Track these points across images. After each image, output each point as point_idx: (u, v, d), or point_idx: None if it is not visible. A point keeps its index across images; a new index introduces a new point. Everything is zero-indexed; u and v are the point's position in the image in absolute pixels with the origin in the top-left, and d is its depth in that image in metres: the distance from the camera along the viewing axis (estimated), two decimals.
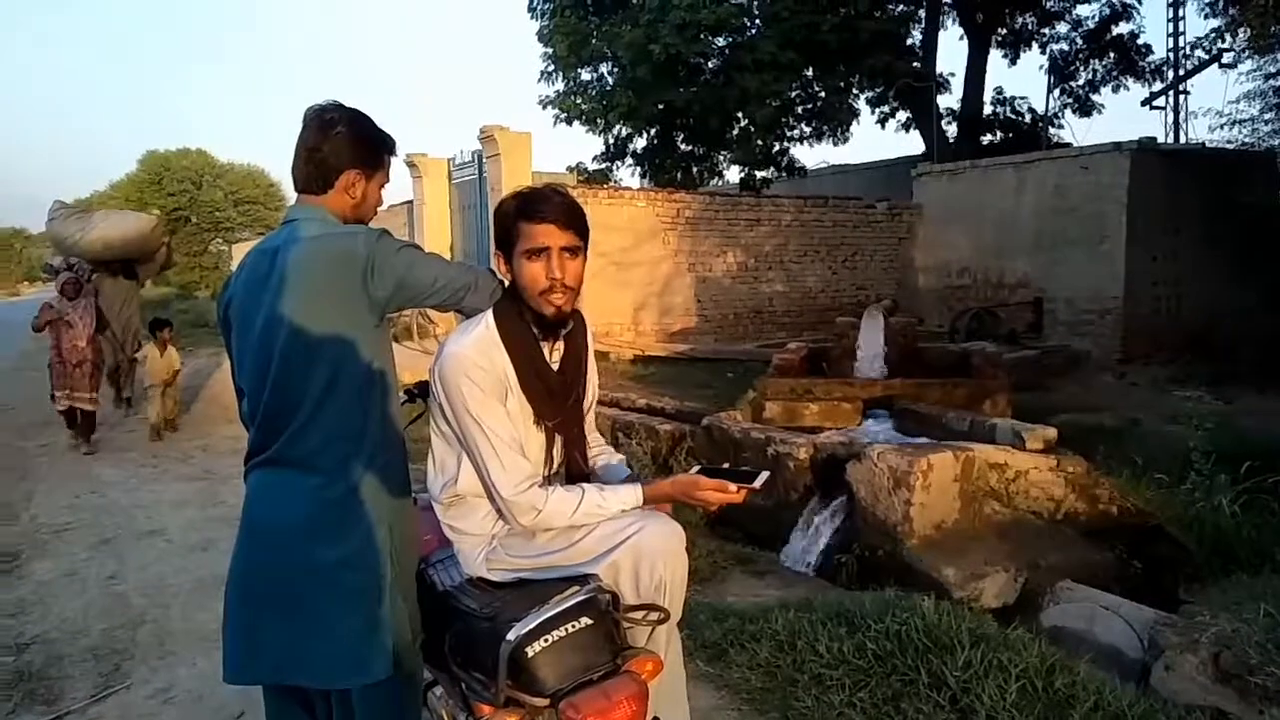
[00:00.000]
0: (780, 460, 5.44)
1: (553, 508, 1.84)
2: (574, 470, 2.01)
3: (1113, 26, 17.57)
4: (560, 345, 1.99)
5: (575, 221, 1.87)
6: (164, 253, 9.32)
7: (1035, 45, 18.34)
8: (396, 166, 2.18)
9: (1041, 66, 18.42)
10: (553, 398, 1.94)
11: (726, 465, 1.98)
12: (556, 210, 1.84)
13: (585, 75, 17.08)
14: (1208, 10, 13.12)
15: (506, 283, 1.95)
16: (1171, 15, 16.91)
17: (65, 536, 5.04)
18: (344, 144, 1.94)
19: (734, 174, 18.47)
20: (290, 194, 2.03)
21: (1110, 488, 5.18)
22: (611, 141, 17.77)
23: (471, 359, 1.86)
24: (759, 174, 17.53)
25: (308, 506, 1.81)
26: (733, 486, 1.84)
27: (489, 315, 1.92)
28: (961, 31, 17.66)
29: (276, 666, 1.83)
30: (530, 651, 1.67)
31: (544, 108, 17.22)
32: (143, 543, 4.94)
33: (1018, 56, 18.46)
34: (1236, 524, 5.01)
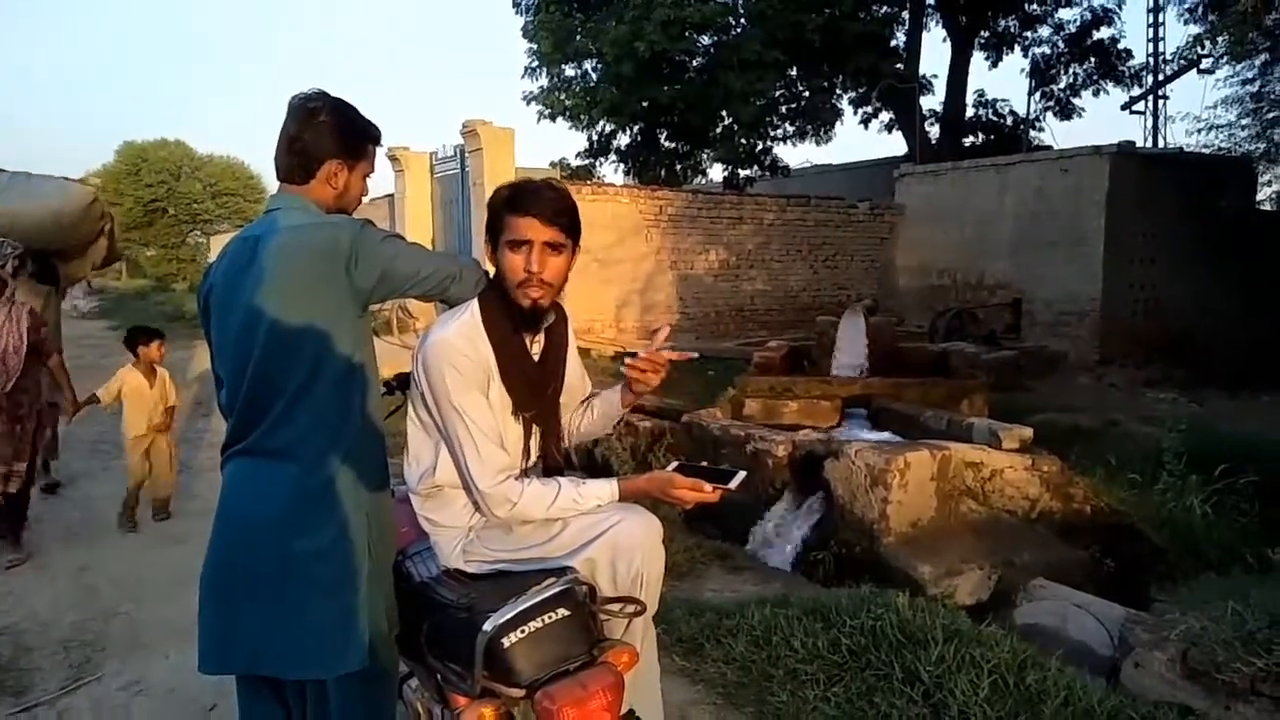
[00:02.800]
0: (759, 457, 5.46)
1: (528, 501, 1.84)
2: (550, 463, 2.02)
3: (1094, 31, 17.78)
4: (541, 337, 2.00)
5: (561, 218, 1.86)
6: (103, 244, 5.95)
7: (1017, 48, 18.53)
8: (379, 159, 2.17)
9: (1023, 70, 18.60)
10: (532, 389, 1.95)
11: (705, 463, 2.00)
12: (542, 205, 1.84)
13: (569, 71, 17.07)
14: (1187, 16, 13.29)
15: (492, 273, 1.96)
16: (1151, 21, 17.10)
17: (35, 528, 4.97)
18: (326, 133, 1.92)
19: (717, 172, 18.56)
20: (271, 186, 2.02)
21: (1084, 487, 5.24)
22: (595, 138, 17.78)
23: (456, 346, 1.86)
24: (742, 172, 17.60)
25: (285, 497, 1.80)
26: (708, 486, 1.85)
27: (474, 304, 1.93)
28: (944, 33, 17.81)
29: (251, 657, 1.83)
30: (507, 642, 1.67)
31: (528, 103, 17.22)
32: (114, 535, 4.89)
33: (1000, 59, 18.64)
34: (1207, 524, 5.09)
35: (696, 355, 2.04)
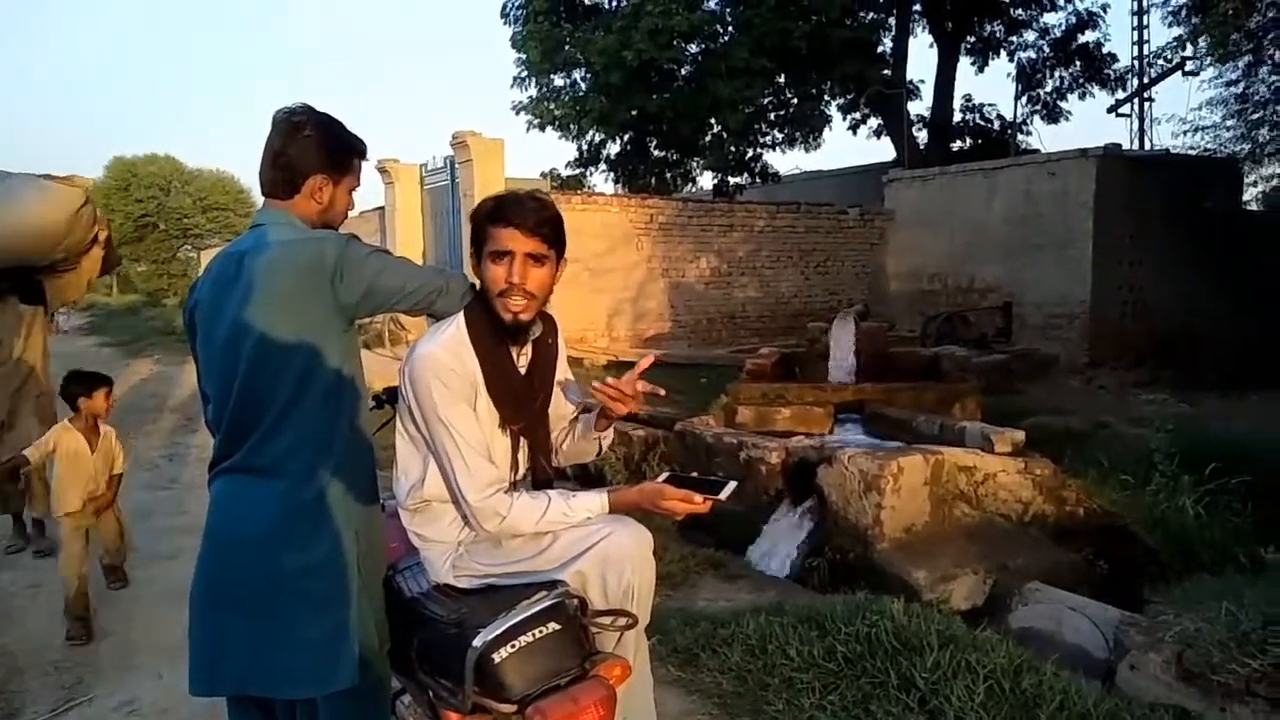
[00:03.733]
0: (752, 465, 5.46)
1: (517, 514, 1.83)
2: (540, 476, 2.01)
3: (1079, 35, 17.89)
4: (529, 349, 1.99)
5: (543, 229, 1.86)
6: (98, 254, 4.88)
7: (1003, 53, 18.64)
8: (368, 172, 2.16)
9: (1009, 74, 18.71)
10: (519, 401, 1.94)
11: (695, 474, 1.99)
12: (524, 215, 1.84)
13: (558, 81, 17.10)
14: (1171, 19, 13.37)
15: (478, 285, 1.95)
16: (1136, 24, 17.24)
17: (28, 549, 4.94)
18: (311, 148, 1.92)
19: (707, 180, 18.61)
20: (260, 200, 2.02)
21: (1077, 490, 5.25)
22: (585, 147, 17.83)
23: (442, 360, 1.85)
24: (732, 180, 17.66)
25: (273, 513, 1.79)
26: (698, 497, 1.85)
27: (460, 317, 1.92)
28: (931, 39, 17.89)
29: (241, 676, 1.81)
30: (497, 657, 1.66)
31: (517, 113, 17.26)
32: None
33: (986, 64, 18.75)
34: (1199, 524, 5.09)
35: (653, 359, 2.04)
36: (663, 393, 2.01)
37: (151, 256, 32.95)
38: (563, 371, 2.11)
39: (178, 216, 32.64)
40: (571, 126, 16.72)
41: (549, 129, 16.95)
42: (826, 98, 17.98)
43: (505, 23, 17.43)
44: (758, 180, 17.81)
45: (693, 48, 15.96)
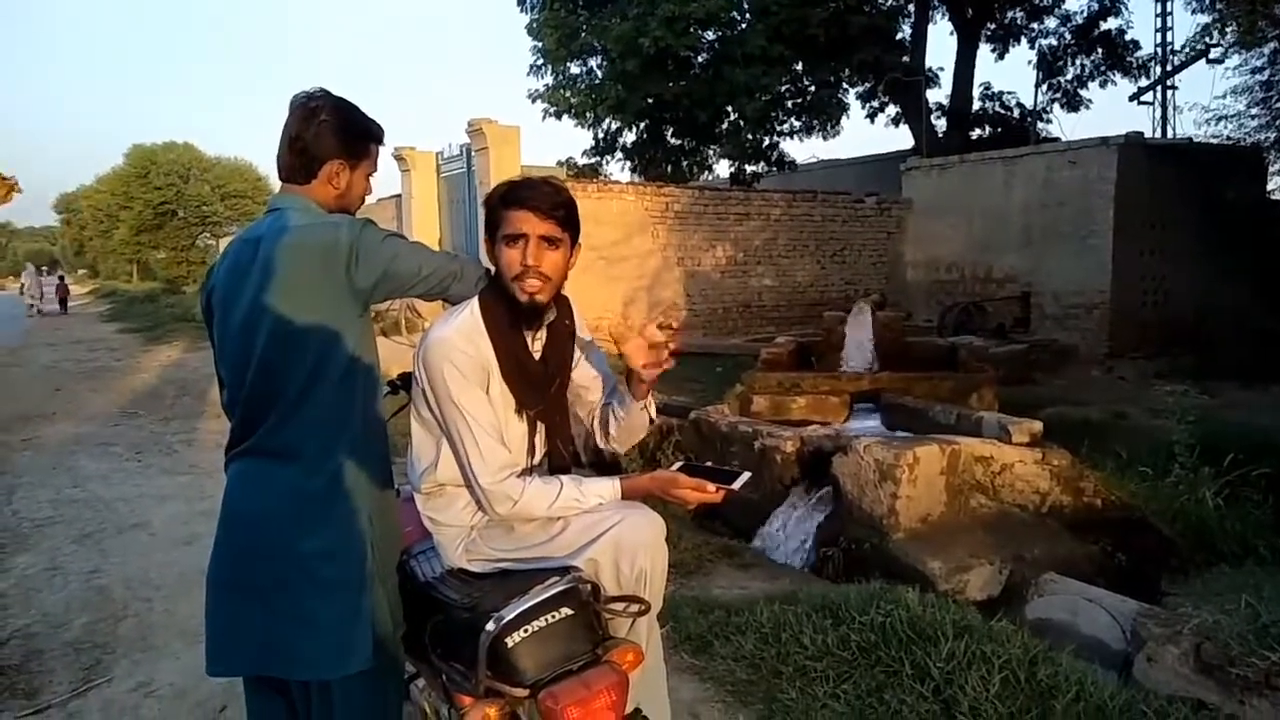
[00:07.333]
0: (767, 454, 5.44)
1: (529, 498, 1.84)
2: (557, 462, 2.01)
3: (1101, 22, 17.69)
4: (543, 334, 1.98)
5: (557, 212, 1.85)
6: None
7: (1024, 40, 18.45)
8: (384, 159, 2.16)
9: (1030, 62, 18.54)
10: (534, 386, 1.94)
11: (710, 464, 1.98)
12: (538, 198, 1.84)
13: (574, 69, 17.07)
14: (1195, 6, 13.17)
15: (493, 270, 1.95)
16: (1159, 11, 17.00)
17: (47, 530, 5.01)
18: (327, 133, 1.92)
19: (723, 168, 18.53)
20: (278, 186, 2.02)
21: (1095, 480, 5.20)
22: (601, 135, 17.79)
23: (456, 344, 1.86)
24: (748, 168, 17.57)
25: (287, 497, 1.80)
26: (711, 486, 1.84)
27: (474, 301, 1.92)
28: (950, 26, 17.72)
29: (257, 658, 1.82)
30: (510, 642, 1.66)
31: (533, 101, 17.23)
32: (126, 537, 4.91)
33: (1006, 51, 18.58)
34: (1219, 516, 5.04)
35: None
36: (676, 324, 1.98)
37: (170, 244, 33.33)
38: (589, 355, 2.10)
39: (196, 204, 32.96)
40: (588, 114, 16.69)
41: (565, 117, 16.93)
42: (844, 85, 17.84)
43: (522, 10, 17.40)
44: (774, 168, 17.74)
45: (709, 35, 15.88)
